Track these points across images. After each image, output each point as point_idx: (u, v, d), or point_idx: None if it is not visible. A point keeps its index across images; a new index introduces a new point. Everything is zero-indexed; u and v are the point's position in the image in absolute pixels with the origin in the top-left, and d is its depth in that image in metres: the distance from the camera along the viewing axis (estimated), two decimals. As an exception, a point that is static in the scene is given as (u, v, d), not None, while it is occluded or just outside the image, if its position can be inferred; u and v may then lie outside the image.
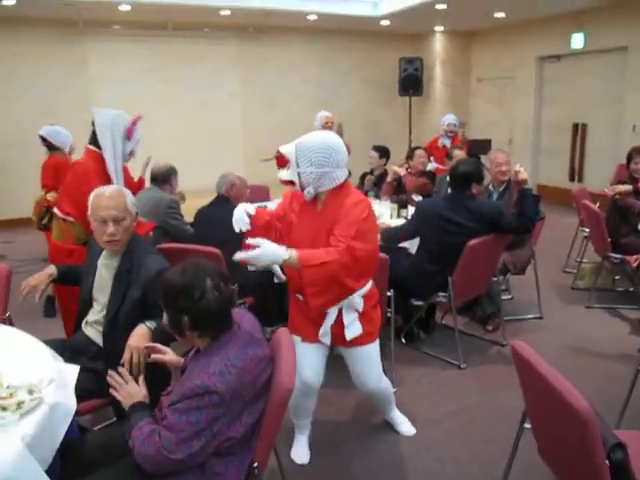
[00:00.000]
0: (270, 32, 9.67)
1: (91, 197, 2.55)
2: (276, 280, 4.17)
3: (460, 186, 3.61)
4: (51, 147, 5.25)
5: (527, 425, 2.12)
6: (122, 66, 8.88)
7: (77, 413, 2.13)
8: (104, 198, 2.49)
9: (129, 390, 1.89)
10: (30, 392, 1.78)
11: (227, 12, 8.33)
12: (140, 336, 2.24)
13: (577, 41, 8.67)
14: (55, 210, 3.50)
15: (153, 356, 2.08)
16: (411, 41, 10.82)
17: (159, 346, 2.11)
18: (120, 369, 1.96)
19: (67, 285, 2.92)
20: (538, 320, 4.53)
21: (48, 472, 1.66)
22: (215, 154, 9.16)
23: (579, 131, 9.07)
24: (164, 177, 4.53)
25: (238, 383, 1.67)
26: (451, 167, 3.88)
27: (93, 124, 3.35)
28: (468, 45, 10.73)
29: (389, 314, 3.44)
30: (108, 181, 3.22)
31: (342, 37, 10.26)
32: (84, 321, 2.68)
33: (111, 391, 1.93)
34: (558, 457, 1.93)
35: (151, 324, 2.29)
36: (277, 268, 3.94)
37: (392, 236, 3.84)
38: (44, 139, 5.28)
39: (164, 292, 1.79)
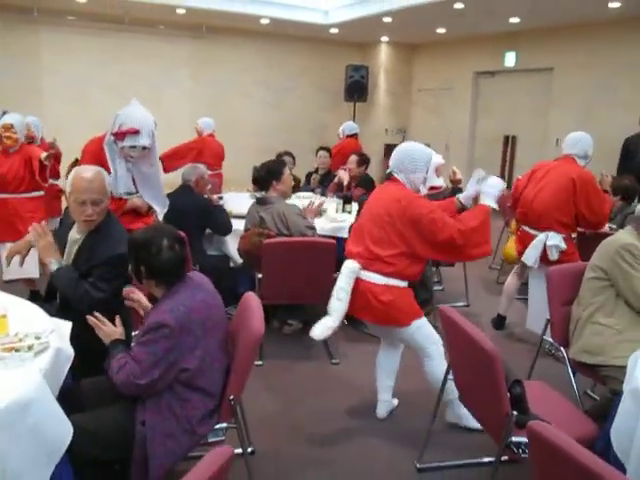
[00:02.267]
0: (223, 33, 9.98)
1: (71, 177, 2.69)
2: (232, 264, 4.55)
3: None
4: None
5: (450, 377, 2.60)
6: (76, 57, 8.97)
7: None
8: (85, 180, 2.61)
9: (107, 330, 2.25)
10: (37, 338, 2.10)
11: (182, 11, 8.60)
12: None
13: (510, 59, 9.45)
14: None
15: (131, 296, 2.44)
16: (358, 49, 11.38)
17: (135, 290, 2.45)
18: (96, 313, 2.29)
19: None
20: (466, 308, 5.09)
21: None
22: (164, 148, 9.35)
23: (509, 143, 9.84)
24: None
25: (187, 319, 2.04)
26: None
27: None
28: (411, 57, 11.37)
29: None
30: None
31: (292, 42, 10.68)
32: None
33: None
34: (473, 397, 2.42)
35: (55, 263, 2.60)
36: (234, 253, 4.32)
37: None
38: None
39: (129, 246, 2.20)
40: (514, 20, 8.28)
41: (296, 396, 3.44)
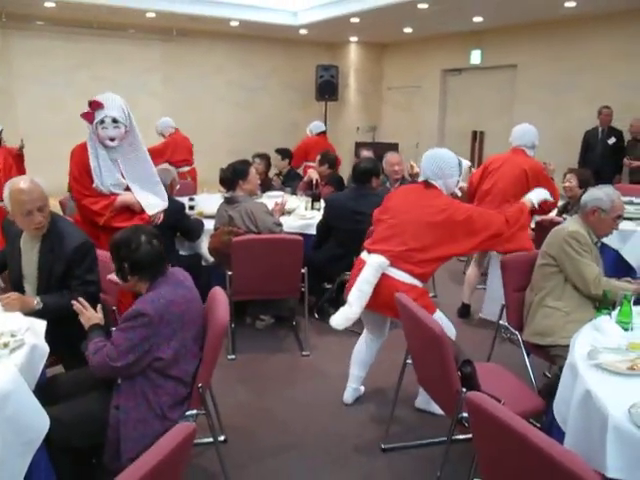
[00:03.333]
0: (194, 36, 10.07)
1: (8, 191, 2.68)
2: (204, 262, 4.66)
3: (362, 180, 4.27)
4: None
5: (409, 361, 2.76)
6: (46, 62, 9.00)
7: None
8: (25, 192, 2.64)
9: (88, 315, 2.40)
10: (13, 336, 2.22)
11: (152, 15, 8.68)
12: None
13: (475, 57, 9.69)
14: None
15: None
16: (328, 49, 11.54)
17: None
18: (80, 299, 2.44)
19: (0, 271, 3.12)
20: (433, 298, 5.25)
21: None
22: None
23: (477, 138, 10.08)
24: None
25: (166, 311, 2.18)
26: (354, 165, 4.55)
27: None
28: (380, 56, 11.57)
29: (303, 289, 4.01)
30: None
31: (263, 43, 10.81)
32: None
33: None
34: (428, 378, 2.58)
35: (38, 303, 2.67)
36: (206, 252, 4.43)
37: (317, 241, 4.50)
38: None
39: (110, 246, 2.33)
40: (478, 19, 8.50)
41: (268, 387, 3.57)
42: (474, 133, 10.10)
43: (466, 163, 3.30)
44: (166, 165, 5.06)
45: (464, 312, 4.84)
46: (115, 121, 3.37)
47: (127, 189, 3.55)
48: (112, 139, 3.41)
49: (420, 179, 3.21)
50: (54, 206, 5.41)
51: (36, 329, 2.40)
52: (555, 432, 2.23)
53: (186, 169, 7.08)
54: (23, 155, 5.63)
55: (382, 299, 3.02)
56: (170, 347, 2.21)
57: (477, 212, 3.12)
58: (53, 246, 2.76)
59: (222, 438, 2.94)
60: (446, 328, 3.03)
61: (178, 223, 4.43)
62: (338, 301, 4.89)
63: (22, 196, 2.64)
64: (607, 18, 7.76)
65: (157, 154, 6.50)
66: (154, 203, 3.66)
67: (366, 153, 5.56)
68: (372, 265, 3.03)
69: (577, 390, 2.04)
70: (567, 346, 2.79)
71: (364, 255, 3.19)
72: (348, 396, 3.39)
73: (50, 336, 2.44)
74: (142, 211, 3.59)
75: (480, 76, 9.86)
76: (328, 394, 3.48)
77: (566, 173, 5.05)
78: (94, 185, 3.44)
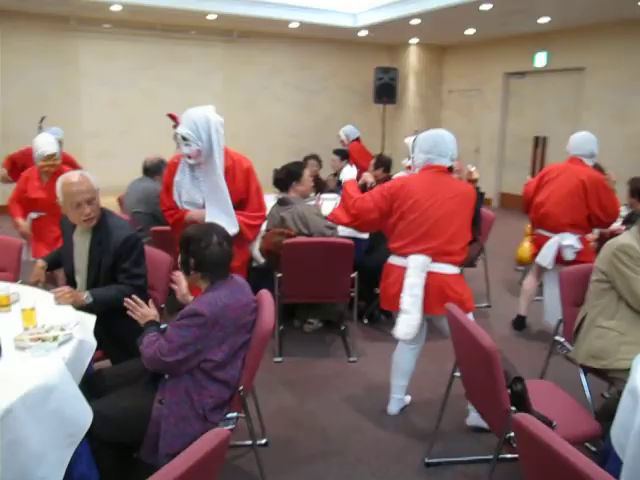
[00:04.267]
0: (254, 37, 10.17)
1: (60, 185, 2.79)
2: (254, 264, 4.67)
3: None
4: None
5: (457, 374, 2.66)
6: (112, 64, 9.28)
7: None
8: (74, 185, 2.76)
9: (143, 312, 2.42)
10: (62, 330, 2.26)
11: (214, 16, 8.81)
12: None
13: (540, 59, 9.37)
14: None
15: (176, 278, 2.60)
16: (387, 51, 11.43)
17: (181, 276, 2.55)
18: (134, 296, 2.46)
19: (57, 268, 3.21)
20: (487, 308, 5.11)
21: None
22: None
23: (539, 144, 9.75)
24: (155, 168, 5.03)
25: (221, 315, 2.17)
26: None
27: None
28: (441, 58, 11.37)
29: (352, 294, 3.95)
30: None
31: (322, 45, 10.81)
32: None
33: (129, 313, 2.45)
34: (477, 394, 2.47)
35: (88, 297, 2.73)
36: (257, 253, 4.43)
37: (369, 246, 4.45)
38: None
39: (181, 238, 2.33)
40: (544, 20, 8.22)
41: (312, 392, 3.53)
42: (536, 139, 9.78)
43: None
44: None
45: (519, 324, 4.66)
46: (184, 139, 3.26)
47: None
48: (188, 156, 3.30)
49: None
50: (112, 203, 5.64)
51: (85, 324, 2.44)
52: (612, 460, 2.09)
53: None
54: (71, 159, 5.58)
55: (434, 297, 3.00)
56: (221, 350, 2.21)
57: None
58: (102, 239, 2.83)
59: (263, 441, 2.93)
60: None
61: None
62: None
63: (72, 188, 2.75)
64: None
65: None
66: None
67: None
68: (417, 267, 3.00)
69: (638, 418, 1.90)
70: (626, 370, 2.65)
71: (397, 259, 3.14)
72: (393, 407, 3.31)
73: (97, 330, 2.49)
74: None
75: (545, 79, 9.54)
76: (373, 402, 3.41)
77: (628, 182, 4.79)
78: (174, 198, 3.46)
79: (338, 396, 3.49)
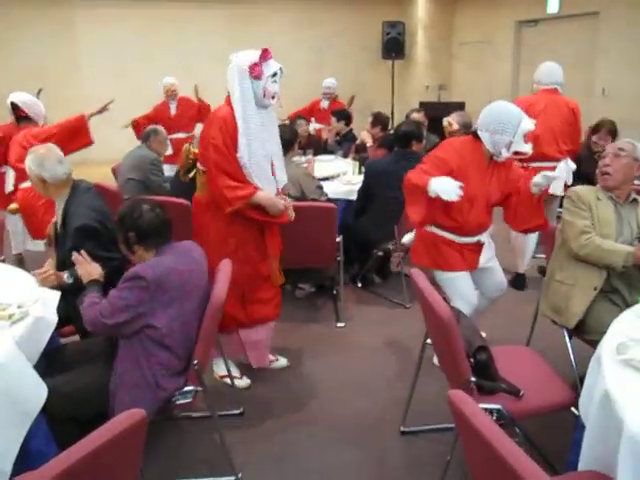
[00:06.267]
0: (256, -3, 9.91)
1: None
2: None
3: (403, 144, 4.04)
4: (23, 118, 4.50)
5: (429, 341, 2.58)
6: (110, 31, 9.16)
7: (60, 334, 2.65)
8: None
9: (87, 268, 2.41)
10: (19, 307, 2.23)
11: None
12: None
13: (553, 5, 8.92)
14: (197, 164, 3.07)
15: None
16: (395, 5, 11.03)
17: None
18: (82, 251, 2.45)
19: None
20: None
21: (35, 368, 2.12)
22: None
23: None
24: (145, 136, 5.00)
25: (165, 278, 2.14)
26: (395, 127, 4.30)
27: None
28: (451, 9, 10.92)
29: (339, 258, 3.87)
30: (230, 128, 2.79)
31: (328, 1, 10.48)
32: None
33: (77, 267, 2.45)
34: (443, 360, 2.40)
35: (69, 277, 2.66)
36: None
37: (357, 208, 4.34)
38: (16, 107, 4.51)
39: (116, 220, 2.32)
40: (555, -37, 7.80)
41: (293, 358, 3.47)
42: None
43: (527, 126, 2.93)
44: None
45: (518, 283, 4.54)
46: (274, 75, 2.86)
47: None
48: (272, 97, 2.85)
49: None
50: (106, 173, 5.61)
51: (47, 300, 2.42)
52: (579, 427, 2.02)
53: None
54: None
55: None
56: (166, 315, 2.18)
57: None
58: (65, 221, 2.79)
59: (240, 410, 2.91)
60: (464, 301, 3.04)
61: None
62: (384, 270, 4.76)
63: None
64: None
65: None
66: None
67: (416, 115, 5.25)
68: None
69: (598, 387, 1.81)
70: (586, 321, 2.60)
71: None
72: None
73: (66, 306, 2.47)
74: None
75: (558, 27, 9.10)
76: (354, 371, 3.36)
77: None
78: (238, 156, 2.78)
79: (321, 363, 3.45)
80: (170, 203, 3.98)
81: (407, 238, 3.59)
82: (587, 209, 2.66)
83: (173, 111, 6.62)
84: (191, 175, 3.91)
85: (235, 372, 3.17)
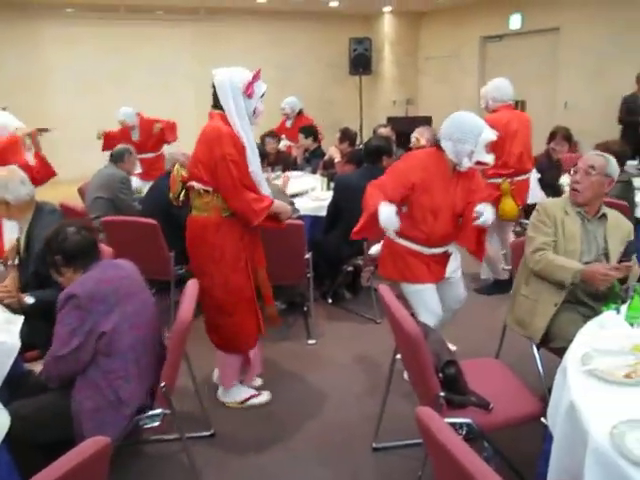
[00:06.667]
0: (223, 14, 9.92)
1: None
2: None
3: (372, 159, 4.06)
4: None
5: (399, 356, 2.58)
6: (77, 48, 9.06)
7: (24, 360, 2.58)
8: None
9: None
10: (-20, 333, 2.18)
11: (178, -6, 8.58)
12: None
13: (515, 21, 9.17)
14: (193, 183, 2.92)
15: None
16: (362, 22, 11.17)
17: None
18: None
19: None
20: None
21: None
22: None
23: (519, 107, 9.56)
24: (118, 155, 4.95)
25: (96, 289, 2.14)
26: (365, 143, 4.32)
27: (213, 86, 2.92)
28: (416, 25, 11.12)
29: (309, 275, 3.87)
30: (239, 143, 2.84)
31: (294, 19, 10.56)
32: None
33: None
34: (413, 376, 2.40)
35: (29, 298, 2.65)
36: None
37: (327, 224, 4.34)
38: None
39: (43, 245, 2.31)
40: (515, -19, 8.01)
41: (266, 377, 3.43)
42: (515, 103, 9.56)
43: (489, 136, 2.96)
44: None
45: (493, 289, 4.65)
46: (263, 95, 2.94)
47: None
48: (257, 116, 2.95)
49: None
50: (73, 194, 5.52)
51: (10, 325, 2.37)
52: (548, 438, 2.03)
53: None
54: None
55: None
56: (110, 320, 2.15)
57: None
58: (28, 244, 2.76)
59: (210, 432, 2.87)
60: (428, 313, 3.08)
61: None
62: (355, 285, 4.76)
63: None
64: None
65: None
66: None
67: (383, 130, 5.30)
68: None
69: (564, 398, 1.84)
70: (552, 334, 2.64)
71: None
72: None
73: (30, 330, 2.42)
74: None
75: (521, 42, 9.34)
76: (325, 388, 3.34)
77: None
78: (250, 170, 2.87)
79: (292, 381, 3.42)
80: (139, 223, 3.95)
81: (374, 249, 3.61)
82: (552, 224, 2.70)
83: (136, 137, 6.47)
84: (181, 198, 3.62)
85: (252, 391, 3.21)
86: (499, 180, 4.35)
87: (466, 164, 2.97)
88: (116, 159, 4.97)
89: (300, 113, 6.94)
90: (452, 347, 3.48)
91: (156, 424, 2.22)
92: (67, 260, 2.24)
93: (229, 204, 2.84)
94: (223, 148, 2.77)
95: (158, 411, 2.23)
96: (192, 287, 2.41)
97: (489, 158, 3.01)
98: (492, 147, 3.65)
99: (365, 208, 2.95)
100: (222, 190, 2.80)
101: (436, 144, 3.05)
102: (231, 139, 2.79)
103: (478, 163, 3.02)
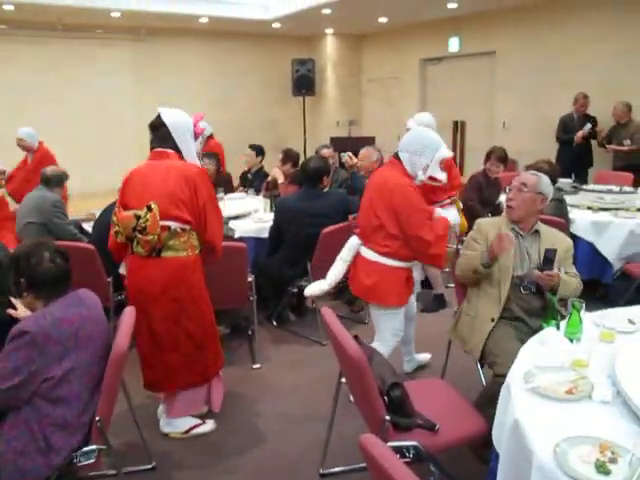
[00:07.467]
0: (164, 35, 9.79)
1: None
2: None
3: (312, 180, 4.04)
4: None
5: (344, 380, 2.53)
6: (12, 68, 8.72)
7: None
8: None
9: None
10: None
11: (117, 14, 8.41)
12: None
13: (453, 45, 9.42)
14: (170, 223, 2.74)
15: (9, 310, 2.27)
16: (305, 43, 11.26)
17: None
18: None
19: None
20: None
21: None
22: (109, 156, 9.11)
23: (459, 128, 9.82)
24: (57, 180, 4.73)
25: (53, 329, 1.98)
26: (302, 164, 4.33)
27: (162, 125, 2.88)
28: (358, 47, 11.29)
29: (251, 298, 3.79)
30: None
31: (237, 39, 10.52)
32: None
33: None
34: (358, 399, 2.35)
35: None
36: None
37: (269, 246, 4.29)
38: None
39: (11, 258, 2.14)
40: (452, 5, 8.24)
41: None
42: (455, 123, 9.84)
43: (444, 153, 3.07)
44: None
45: (434, 304, 4.72)
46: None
47: None
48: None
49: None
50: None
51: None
52: (495, 457, 2.02)
53: None
54: None
55: (356, 278, 3.17)
56: (61, 367, 2.01)
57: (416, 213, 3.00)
58: None
59: (151, 465, 2.73)
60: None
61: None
62: (299, 307, 4.70)
63: None
64: (586, 1, 7.51)
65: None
66: None
67: (325, 152, 5.30)
68: (347, 245, 3.20)
69: (508, 416, 1.83)
70: (489, 351, 2.66)
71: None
72: (407, 367, 3.59)
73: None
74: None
75: (459, 64, 9.60)
76: (271, 413, 3.25)
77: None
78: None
79: (235, 408, 3.31)
80: (73, 248, 3.78)
81: (312, 289, 3.39)
82: (483, 241, 2.81)
83: (30, 160, 6.12)
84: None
85: (196, 420, 3.08)
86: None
87: (420, 177, 3.06)
88: (52, 183, 4.75)
89: (211, 137, 6.72)
90: (427, 355, 3.72)
91: (91, 461, 2.08)
92: (32, 286, 2.09)
93: (212, 240, 2.90)
94: (209, 189, 2.88)
95: (93, 447, 2.09)
96: (129, 316, 2.30)
97: (442, 176, 3.11)
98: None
99: (440, 229, 3.02)
100: (208, 228, 2.85)
101: (394, 155, 3.13)
102: (207, 176, 2.97)
103: (431, 179, 3.10)
